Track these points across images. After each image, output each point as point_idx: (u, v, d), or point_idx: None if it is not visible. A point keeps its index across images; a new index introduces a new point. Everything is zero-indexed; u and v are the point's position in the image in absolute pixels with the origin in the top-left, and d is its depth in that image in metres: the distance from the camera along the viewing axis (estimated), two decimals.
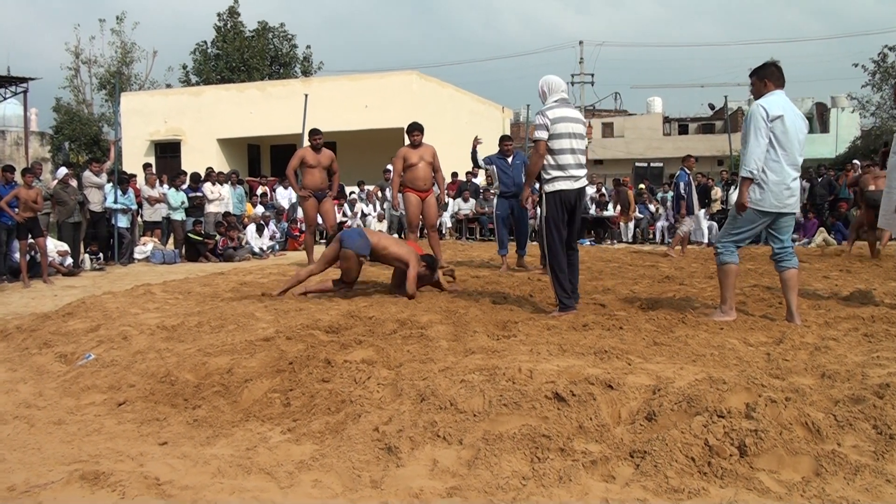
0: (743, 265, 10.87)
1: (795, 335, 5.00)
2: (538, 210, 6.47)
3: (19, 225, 11.04)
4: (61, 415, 4.39)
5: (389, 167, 21.50)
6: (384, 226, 19.53)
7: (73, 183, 13.32)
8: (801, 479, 2.86)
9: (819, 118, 42.52)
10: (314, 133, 11.20)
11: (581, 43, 49.11)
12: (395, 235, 16.62)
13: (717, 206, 18.14)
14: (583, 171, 6.35)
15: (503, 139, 10.88)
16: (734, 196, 18.36)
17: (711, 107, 48.43)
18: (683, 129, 47.68)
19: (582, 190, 6.40)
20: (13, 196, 11.06)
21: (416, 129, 10.32)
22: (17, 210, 11.02)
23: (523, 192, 6.32)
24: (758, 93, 5.78)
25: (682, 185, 13.21)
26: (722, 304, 5.84)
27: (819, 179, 17.93)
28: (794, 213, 5.85)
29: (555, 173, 6.23)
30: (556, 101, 6.34)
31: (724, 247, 5.82)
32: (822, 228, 16.30)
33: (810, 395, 3.46)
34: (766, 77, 5.73)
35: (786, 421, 3.15)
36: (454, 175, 21.31)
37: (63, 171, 13.67)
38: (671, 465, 2.94)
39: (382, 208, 20.08)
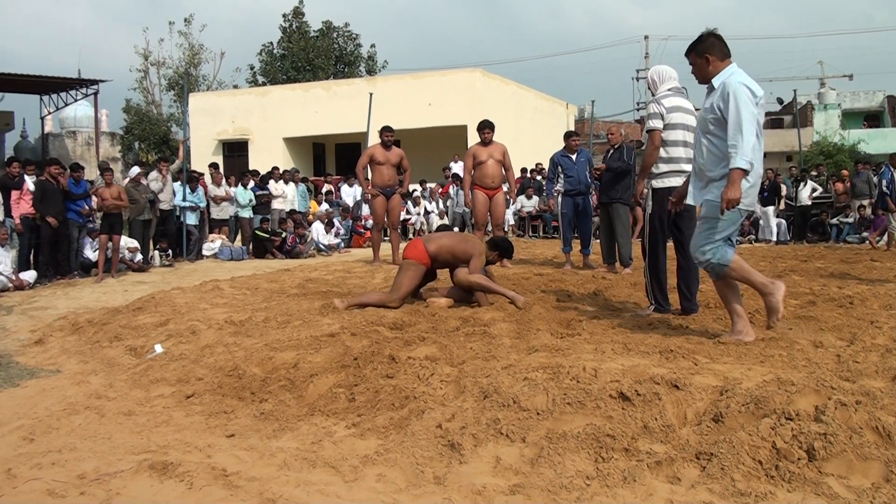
0: (812, 264, 10.63)
1: (866, 336, 4.87)
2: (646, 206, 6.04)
3: (102, 220, 11.43)
4: (131, 406, 4.50)
5: (452, 164, 21.67)
6: (445, 221, 19.57)
7: (145, 182, 13.67)
8: (870, 485, 2.79)
9: (891, 112, 41.18)
10: (386, 130, 11.08)
11: (646, 38, 48.44)
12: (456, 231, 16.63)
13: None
14: (690, 167, 5.47)
15: (568, 135, 10.78)
16: (804, 193, 17.93)
17: (780, 101, 47.25)
18: None
19: None
20: (95, 193, 11.51)
21: (486, 126, 10.34)
22: (93, 207, 11.43)
23: (636, 187, 5.94)
24: (703, 73, 4.86)
25: (884, 182, 13.88)
26: (734, 324, 4.85)
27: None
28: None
29: (665, 168, 5.86)
30: (669, 90, 5.92)
31: (712, 252, 4.77)
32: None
33: (881, 399, 3.36)
34: (707, 51, 4.81)
35: (856, 425, 3.07)
36: (523, 171, 21.26)
37: (136, 170, 14.01)
38: (738, 468, 2.89)
39: (445, 205, 20.12)
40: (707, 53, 4.81)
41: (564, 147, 10.67)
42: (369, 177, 11.45)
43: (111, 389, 4.89)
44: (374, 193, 11.06)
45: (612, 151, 9.78)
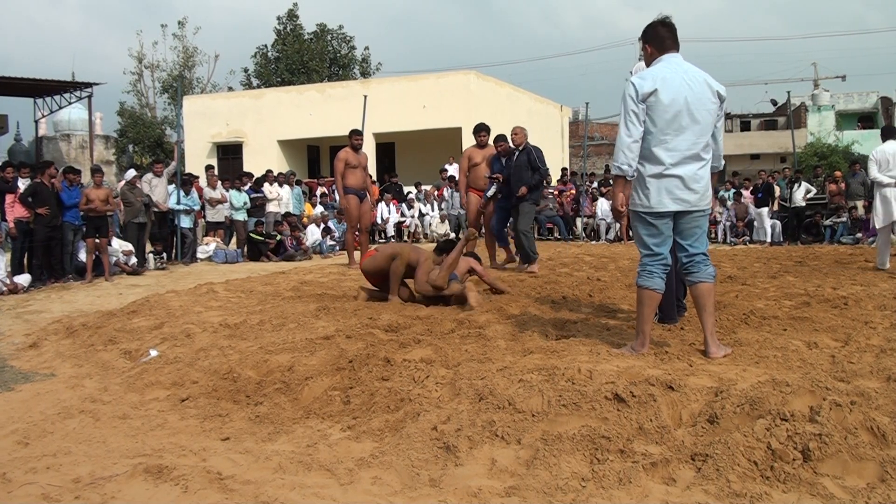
0: (807, 264, 10.64)
1: (861, 337, 4.88)
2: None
3: (87, 223, 11.41)
4: (126, 410, 4.49)
5: (447, 167, 21.68)
6: (446, 226, 19.56)
7: (140, 185, 13.65)
8: (865, 486, 2.79)
9: (884, 113, 41.36)
10: (355, 133, 11.52)
11: (640, 39, 48.45)
12: (452, 235, 16.65)
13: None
14: None
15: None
16: (798, 194, 17.88)
17: (774, 103, 47.40)
18: (745, 126, 46.74)
19: None
20: (84, 197, 11.48)
21: (482, 129, 10.42)
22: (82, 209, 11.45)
23: (615, 198, 5.79)
24: (647, 62, 4.70)
25: None
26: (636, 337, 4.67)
27: None
28: (701, 211, 4.53)
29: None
30: None
31: (641, 266, 4.62)
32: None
33: (876, 399, 3.37)
34: (648, 41, 4.65)
35: (851, 425, 3.07)
36: None
37: (131, 172, 14.00)
38: (733, 469, 2.90)
39: (441, 208, 20.11)
40: (648, 43, 4.69)
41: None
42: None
43: (106, 393, 4.87)
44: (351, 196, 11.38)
45: (517, 154, 9.72)
